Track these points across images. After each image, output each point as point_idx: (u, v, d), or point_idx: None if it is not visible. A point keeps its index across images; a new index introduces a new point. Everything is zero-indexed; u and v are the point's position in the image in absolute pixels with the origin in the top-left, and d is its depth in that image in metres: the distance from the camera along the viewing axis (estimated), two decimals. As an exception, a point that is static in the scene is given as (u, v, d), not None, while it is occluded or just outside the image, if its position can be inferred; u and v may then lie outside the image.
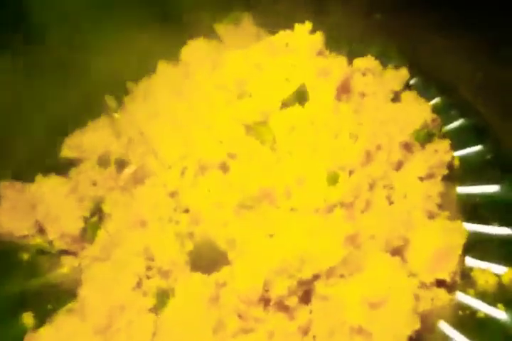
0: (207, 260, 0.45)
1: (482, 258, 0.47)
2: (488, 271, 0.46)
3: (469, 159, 0.54)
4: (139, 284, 0.48)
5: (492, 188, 0.52)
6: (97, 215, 0.53)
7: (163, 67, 0.60)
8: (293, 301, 0.42)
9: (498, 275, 0.46)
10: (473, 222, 0.49)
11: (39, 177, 0.54)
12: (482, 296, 0.45)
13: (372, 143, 0.46)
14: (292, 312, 0.43)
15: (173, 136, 0.53)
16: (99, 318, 0.44)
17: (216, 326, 0.42)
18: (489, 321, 0.44)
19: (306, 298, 0.43)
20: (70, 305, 0.49)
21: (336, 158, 0.44)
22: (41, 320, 0.48)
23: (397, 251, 0.44)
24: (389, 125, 0.49)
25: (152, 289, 0.47)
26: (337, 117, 0.47)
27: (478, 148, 0.54)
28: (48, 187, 0.53)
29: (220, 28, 0.62)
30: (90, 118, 0.60)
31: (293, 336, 0.42)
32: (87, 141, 0.58)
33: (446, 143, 0.51)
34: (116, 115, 0.59)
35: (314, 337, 0.42)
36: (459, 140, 0.54)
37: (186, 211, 0.49)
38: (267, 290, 0.41)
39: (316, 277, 0.41)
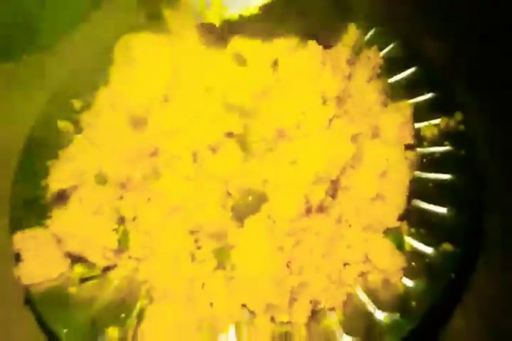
0: (249, 207, 0.53)
1: (422, 120, 0.65)
2: (430, 125, 0.63)
3: (389, 55, 0.70)
4: (193, 258, 0.53)
5: (411, 71, 0.70)
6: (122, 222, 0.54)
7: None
8: (328, 200, 0.53)
9: (437, 125, 0.63)
10: (409, 98, 0.67)
11: (56, 212, 0.54)
12: (433, 143, 0.63)
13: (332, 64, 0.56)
14: (328, 211, 0.54)
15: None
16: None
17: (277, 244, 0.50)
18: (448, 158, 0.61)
19: (333, 195, 0.54)
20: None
21: (321, 87, 0.55)
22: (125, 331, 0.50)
23: (375, 135, 0.59)
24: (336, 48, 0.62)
25: (207, 254, 0.53)
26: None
27: (392, 45, 0.70)
28: (67, 217, 0.52)
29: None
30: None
31: (332, 228, 0.54)
32: (76, 168, 0.55)
33: (374, 50, 0.65)
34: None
35: (346, 220, 0.55)
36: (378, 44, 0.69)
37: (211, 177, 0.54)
38: (307, 202, 0.51)
39: (338, 176, 0.52)
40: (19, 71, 0.73)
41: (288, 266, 0.50)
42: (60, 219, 0.54)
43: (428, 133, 0.64)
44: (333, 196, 0.54)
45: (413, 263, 0.54)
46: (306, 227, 0.53)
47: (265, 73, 0.55)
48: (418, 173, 0.61)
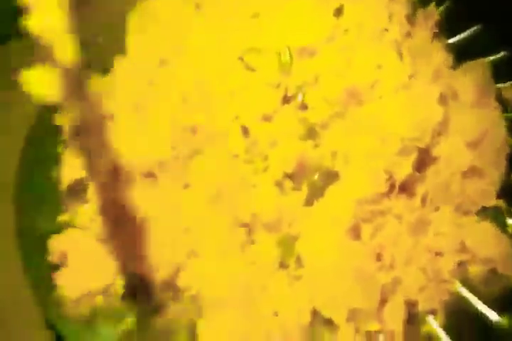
0: (315, 187, 0.44)
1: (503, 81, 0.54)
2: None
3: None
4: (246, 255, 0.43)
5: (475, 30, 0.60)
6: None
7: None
8: (416, 176, 0.43)
9: None
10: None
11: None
12: None
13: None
14: (412, 189, 0.44)
15: None
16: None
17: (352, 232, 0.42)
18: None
19: (419, 169, 0.44)
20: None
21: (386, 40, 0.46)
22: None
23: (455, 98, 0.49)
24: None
25: (265, 249, 0.43)
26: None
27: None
28: None
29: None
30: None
31: (416, 211, 0.44)
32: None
33: (432, 8, 0.55)
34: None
35: (432, 200, 0.45)
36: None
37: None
38: (389, 178, 0.42)
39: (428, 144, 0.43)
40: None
41: (378, 258, 0.40)
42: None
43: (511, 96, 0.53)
44: (420, 170, 0.44)
45: None
46: (385, 210, 0.43)
47: (327, 20, 0.44)
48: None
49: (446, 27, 0.58)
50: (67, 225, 0.46)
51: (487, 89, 0.51)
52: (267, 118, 0.44)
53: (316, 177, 0.44)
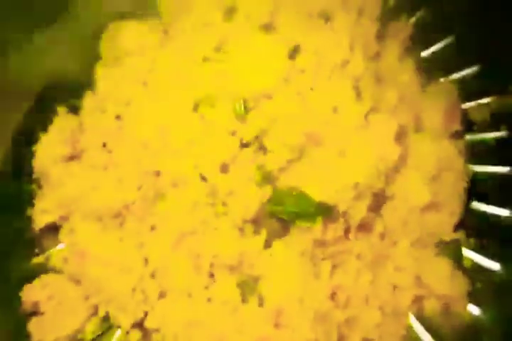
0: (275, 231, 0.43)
1: (469, 100, 0.52)
2: (479, 104, 0.51)
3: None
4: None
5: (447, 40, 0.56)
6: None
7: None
8: (371, 216, 0.43)
9: (487, 105, 0.51)
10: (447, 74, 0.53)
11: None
12: (484, 127, 0.51)
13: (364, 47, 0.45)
14: (370, 227, 0.44)
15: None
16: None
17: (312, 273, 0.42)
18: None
19: (375, 209, 0.44)
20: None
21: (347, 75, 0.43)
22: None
23: (419, 128, 0.47)
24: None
25: (228, 289, 0.43)
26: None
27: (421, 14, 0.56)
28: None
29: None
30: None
31: (375, 248, 0.44)
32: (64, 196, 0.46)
33: (403, 18, 0.53)
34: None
35: (391, 237, 0.45)
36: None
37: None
38: (346, 221, 0.41)
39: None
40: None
41: (332, 297, 0.41)
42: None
43: (478, 116, 0.52)
44: (376, 210, 0.44)
45: (478, 285, 0.44)
46: (344, 250, 0.43)
47: (282, 62, 0.42)
48: (470, 167, 0.49)
49: (419, 39, 0.56)
50: (42, 268, 0.47)
51: (453, 112, 0.50)
52: (224, 168, 0.42)
53: (274, 221, 0.43)
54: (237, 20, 0.46)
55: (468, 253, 0.47)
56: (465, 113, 0.52)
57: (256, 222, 0.43)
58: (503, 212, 0.48)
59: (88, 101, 0.49)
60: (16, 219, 0.48)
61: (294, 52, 0.43)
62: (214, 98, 0.42)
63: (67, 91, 0.51)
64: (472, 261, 0.47)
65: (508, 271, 0.45)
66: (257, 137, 0.42)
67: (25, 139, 0.50)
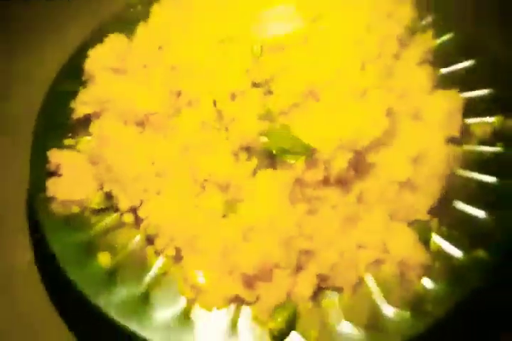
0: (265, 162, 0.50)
1: (475, 116, 0.58)
2: (483, 122, 0.57)
3: (445, 45, 0.64)
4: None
5: (468, 63, 0.64)
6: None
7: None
8: (350, 174, 0.49)
9: (491, 123, 0.57)
10: (462, 91, 0.59)
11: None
12: (483, 142, 0.56)
13: (380, 37, 0.54)
14: (349, 186, 0.50)
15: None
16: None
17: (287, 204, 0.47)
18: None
19: (357, 170, 0.50)
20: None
21: (359, 51, 0.52)
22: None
23: (416, 117, 0.53)
24: (387, 22, 0.57)
25: (216, 202, 0.50)
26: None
27: (450, 35, 0.64)
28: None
29: None
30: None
31: (352, 206, 0.49)
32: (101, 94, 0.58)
33: (429, 34, 0.61)
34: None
35: (367, 202, 0.50)
36: (434, 30, 0.63)
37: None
38: (327, 169, 0.47)
39: (366, 148, 0.48)
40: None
41: (300, 226, 0.46)
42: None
43: (479, 131, 0.58)
44: (357, 171, 0.50)
45: (436, 264, 0.48)
46: (322, 197, 0.49)
47: (304, 21, 0.51)
48: (461, 171, 0.55)
49: (441, 56, 0.63)
50: (70, 149, 0.58)
51: (454, 117, 0.55)
52: (233, 97, 0.52)
53: (265, 153, 0.50)
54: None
55: (436, 238, 0.50)
56: (467, 126, 0.58)
57: (249, 151, 0.51)
58: (479, 213, 0.51)
59: (140, 29, 0.63)
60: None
61: (316, 18, 0.52)
62: (237, 38, 0.53)
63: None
64: (439, 246, 0.50)
65: (469, 258, 0.48)
66: (266, 81, 0.50)
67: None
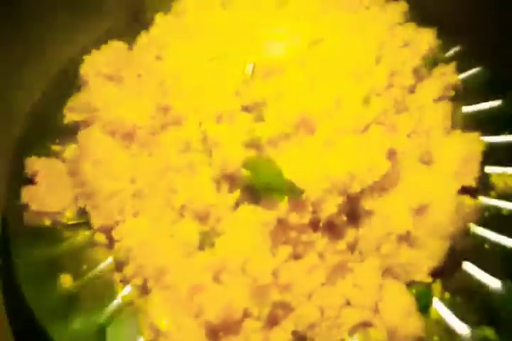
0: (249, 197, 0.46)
1: (497, 165, 0.51)
2: (505, 174, 0.50)
3: (470, 80, 0.58)
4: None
5: (494, 103, 0.57)
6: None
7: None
8: (341, 219, 0.43)
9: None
10: (484, 135, 0.53)
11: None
12: (504, 196, 0.49)
13: (391, 67, 0.49)
14: (340, 232, 0.44)
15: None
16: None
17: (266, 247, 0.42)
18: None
19: (351, 216, 0.45)
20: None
21: (365, 81, 0.47)
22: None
23: (424, 161, 0.47)
24: (401, 51, 0.52)
25: (193, 233, 0.46)
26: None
27: (477, 69, 0.58)
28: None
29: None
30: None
31: (341, 254, 0.44)
32: (90, 101, 0.55)
33: (451, 66, 0.55)
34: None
35: (361, 252, 0.45)
36: (459, 63, 0.57)
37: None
38: (315, 212, 0.42)
39: (361, 193, 0.43)
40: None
41: (275, 275, 0.40)
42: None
43: (500, 183, 0.51)
44: (351, 217, 0.44)
45: (435, 338, 0.41)
46: (308, 242, 0.43)
47: (303, 43, 0.46)
48: (474, 228, 0.47)
49: (463, 94, 0.56)
50: (56, 155, 0.54)
51: (471, 163, 0.48)
52: (219, 120, 0.47)
53: (249, 186, 0.44)
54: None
55: (438, 305, 0.43)
56: (486, 176, 0.51)
57: (232, 181, 0.46)
58: (491, 281, 0.44)
59: (141, 39, 0.61)
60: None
61: (318, 41, 0.46)
62: (228, 56, 0.47)
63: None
64: (439, 315, 0.42)
65: (473, 337, 0.40)
66: (257, 105, 0.44)
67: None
